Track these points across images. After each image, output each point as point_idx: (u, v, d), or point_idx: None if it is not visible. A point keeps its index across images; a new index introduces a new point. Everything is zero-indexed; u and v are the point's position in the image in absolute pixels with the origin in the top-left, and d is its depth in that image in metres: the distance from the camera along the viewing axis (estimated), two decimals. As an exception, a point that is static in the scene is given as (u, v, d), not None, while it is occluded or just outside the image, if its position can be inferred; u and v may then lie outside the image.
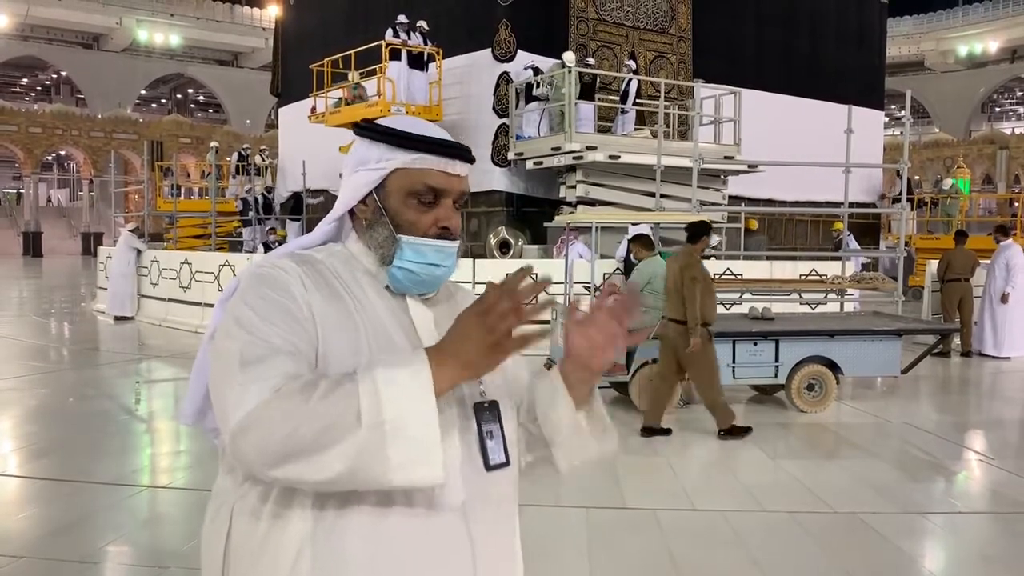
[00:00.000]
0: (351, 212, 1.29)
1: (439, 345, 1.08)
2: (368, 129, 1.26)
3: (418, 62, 12.95)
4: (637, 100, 13.04)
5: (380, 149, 1.24)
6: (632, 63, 13.64)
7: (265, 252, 8.84)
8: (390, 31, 12.79)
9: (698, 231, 6.09)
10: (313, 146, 15.39)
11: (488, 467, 1.18)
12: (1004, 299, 9.91)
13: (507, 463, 1.21)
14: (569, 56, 12.15)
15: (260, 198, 16.72)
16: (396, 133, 1.24)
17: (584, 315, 1.21)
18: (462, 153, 1.25)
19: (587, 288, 7.35)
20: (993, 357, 9.97)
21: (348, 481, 1.02)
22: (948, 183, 20.38)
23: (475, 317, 1.06)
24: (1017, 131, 43.23)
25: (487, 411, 1.20)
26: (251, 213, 16.36)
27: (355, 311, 1.20)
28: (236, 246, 16.68)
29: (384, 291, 1.25)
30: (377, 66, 12.68)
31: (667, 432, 6.07)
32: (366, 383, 1.02)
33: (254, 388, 1.04)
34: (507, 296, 1.04)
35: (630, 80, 12.85)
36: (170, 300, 12.85)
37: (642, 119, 13.74)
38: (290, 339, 1.10)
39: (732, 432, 6.00)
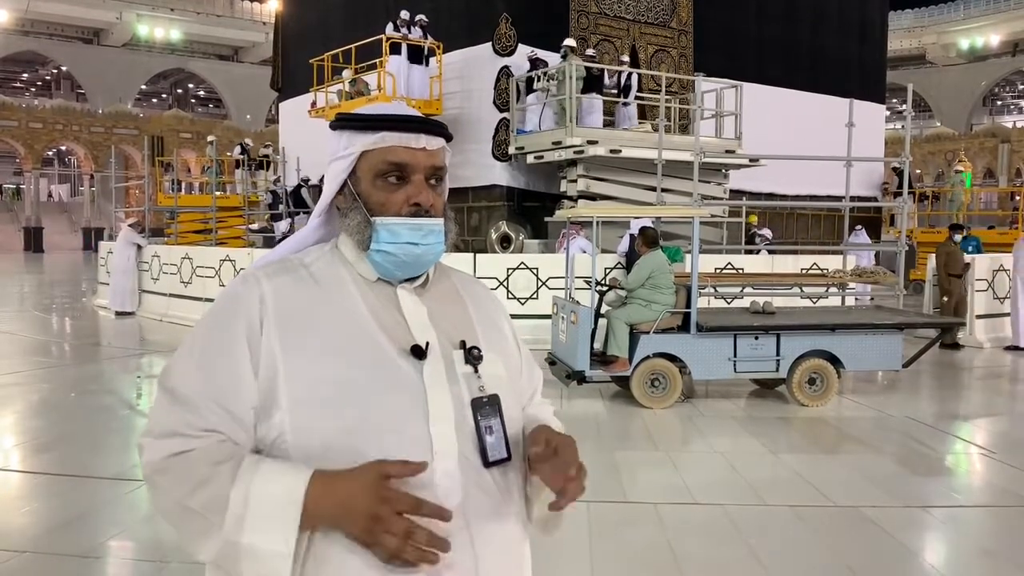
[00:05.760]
0: (337, 207, 1.29)
1: (331, 479, 1.06)
2: (337, 120, 1.27)
3: (418, 56, 12.94)
4: (638, 94, 13.01)
5: (346, 136, 1.24)
6: (625, 58, 13.61)
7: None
8: (390, 25, 12.78)
9: None
10: (314, 140, 15.37)
11: (487, 464, 1.16)
12: None
13: (508, 458, 1.18)
14: (570, 41, 12.04)
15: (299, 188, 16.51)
16: (357, 117, 1.25)
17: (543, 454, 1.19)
18: (426, 127, 1.23)
19: (588, 283, 7.33)
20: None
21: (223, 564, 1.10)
22: (958, 167, 20.77)
23: (375, 492, 1.04)
24: (1018, 125, 43.13)
25: (486, 405, 1.17)
26: (281, 206, 16.12)
27: (336, 318, 1.18)
28: (269, 240, 16.51)
29: (372, 287, 1.23)
30: (377, 60, 12.66)
31: None
32: (239, 489, 1.06)
33: (158, 443, 1.12)
34: (406, 506, 1.04)
35: (630, 74, 12.81)
36: (171, 295, 12.86)
37: (643, 113, 13.70)
38: (217, 386, 1.13)
39: None
